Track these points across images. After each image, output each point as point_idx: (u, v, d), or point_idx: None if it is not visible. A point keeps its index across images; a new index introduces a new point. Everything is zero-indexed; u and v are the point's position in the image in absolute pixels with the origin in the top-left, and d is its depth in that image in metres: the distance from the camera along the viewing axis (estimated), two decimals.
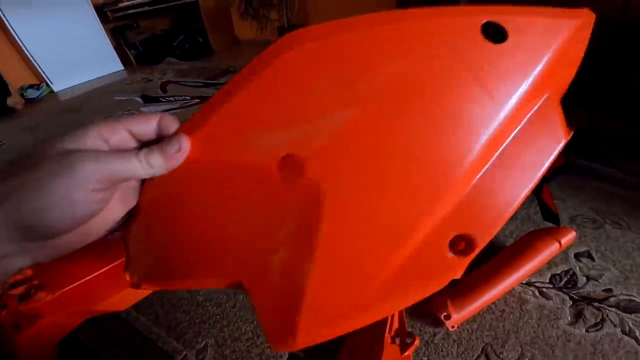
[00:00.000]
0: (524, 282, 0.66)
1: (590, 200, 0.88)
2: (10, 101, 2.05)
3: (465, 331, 0.59)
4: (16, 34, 2.16)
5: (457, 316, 0.56)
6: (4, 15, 2.09)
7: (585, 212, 0.84)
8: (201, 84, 2.05)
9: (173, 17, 3.20)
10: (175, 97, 1.86)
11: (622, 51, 1.34)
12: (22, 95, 2.18)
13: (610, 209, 0.84)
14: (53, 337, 0.49)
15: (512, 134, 0.26)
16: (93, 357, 0.60)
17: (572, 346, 0.55)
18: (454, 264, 0.25)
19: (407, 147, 0.25)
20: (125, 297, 0.53)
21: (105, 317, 0.58)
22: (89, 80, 2.57)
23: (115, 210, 0.25)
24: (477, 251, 0.25)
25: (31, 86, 2.27)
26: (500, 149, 0.26)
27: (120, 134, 0.23)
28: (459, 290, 0.60)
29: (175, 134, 0.25)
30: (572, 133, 0.29)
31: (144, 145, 0.24)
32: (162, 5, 2.83)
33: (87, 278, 0.48)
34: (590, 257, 0.71)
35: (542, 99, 0.27)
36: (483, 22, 0.25)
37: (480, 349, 0.56)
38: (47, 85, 2.37)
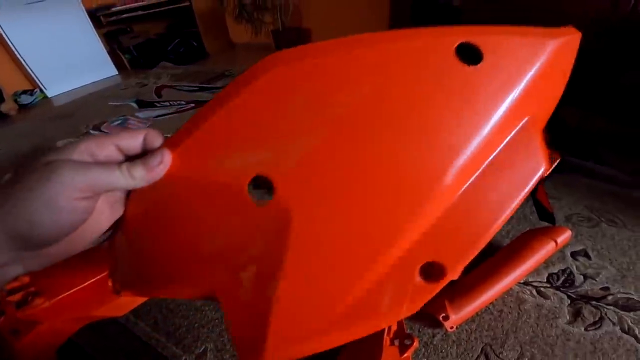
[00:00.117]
0: (522, 281, 0.66)
1: (584, 198, 0.89)
2: (4, 107, 2.04)
3: (464, 332, 0.59)
4: (9, 39, 2.14)
5: (456, 317, 0.57)
6: None
7: (581, 210, 0.85)
8: (196, 88, 2.05)
9: (167, 21, 3.19)
10: (170, 102, 1.85)
11: (614, 50, 1.35)
12: (15, 101, 2.16)
13: (605, 207, 0.85)
14: (52, 343, 0.49)
15: (488, 159, 0.26)
16: None
17: (571, 345, 0.56)
18: (424, 290, 0.25)
19: (377, 172, 0.25)
20: (123, 303, 0.53)
21: (104, 322, 0.58)
22: (83, 86, 2.55)
23: (103, 220, 0.26)
24: (447, 279, 0.25)
25: (25, 92, 2.25)
26: (475, 174, 0.25)
27: (108, 148, 0.24)
28: (456, 291, 0.60)
29: (159, 148, 0.26)
30: (555, 161, 0.29)
31: (131, 159, 0.25)
32: (156, 10, 2.83)
33: (84, 285, 0.48)
34: (586, 255, 0.72)
35: (522, 123, 0.26)
36: (457, 43, 0.24)
37: (480, 349, 0.56)
38: (41, 90, 2.35)
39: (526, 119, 0.26)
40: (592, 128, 1.23)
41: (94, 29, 2.57)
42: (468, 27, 0.25)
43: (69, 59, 2.46)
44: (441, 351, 0.57)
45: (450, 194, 0.25)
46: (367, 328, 0.26)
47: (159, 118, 1.65)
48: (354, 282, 0.25)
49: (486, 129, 0.24)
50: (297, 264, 0.25)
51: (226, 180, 0.26)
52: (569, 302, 0.62)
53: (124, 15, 2.74)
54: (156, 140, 0.26)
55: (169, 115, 1.67)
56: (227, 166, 0.26)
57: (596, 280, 0.66)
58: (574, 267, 0.69)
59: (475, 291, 0.59)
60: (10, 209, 0.20)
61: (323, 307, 0.25)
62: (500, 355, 0.55)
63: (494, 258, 0.66)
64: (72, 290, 0.47)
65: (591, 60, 1.38)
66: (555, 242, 0.65)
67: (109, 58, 2.71)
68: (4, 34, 2.12)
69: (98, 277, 0.49)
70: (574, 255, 0.72)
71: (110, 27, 2.82)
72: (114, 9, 2.70)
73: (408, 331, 0.50)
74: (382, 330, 0.48)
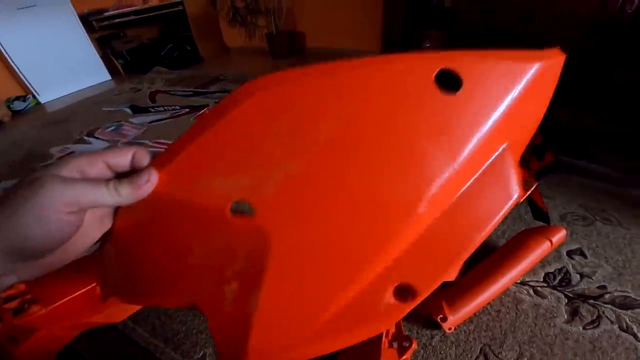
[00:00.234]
0: (518, 281, 0.67)
1: (578, 197, 0.89)
2: None
3: (463, 333, 0.59)
4: (0, 45, 2.12)
5: (454, 318, 0.57)
6: None
7: (575, 209, 0.85)
8: (191, 93, 2.04)
9: (160, 25, 3.18)
10: (165, 107, 1.84)
11: (604, 49, 1.37)
12: (8, 108, 2.13)
13: (599, 205, 0.86)
14: (50, 350, 0.49)
15: (463, 188, 0.26)
16: None
17: (570, 344, 0.56)
18: (396, 310, 0.26)
19: (354, 198, 0.26)
20: (119, 310, 0.53)
21: (102, 329, 0.57)
22: (76, 91, 2.52)
23: (92, 232, 0.27)
24: (418, 300, 0.26)
25: (17, 98, 2.22)
26: (450, 201, 0.26)
27: (97, 166, 0.25)
28: (454, 292, 0.60)
29: (146, 167, 0.27)
30: (532, 188, 0.29)
31: (120, 176, 0.26)
32: (149, 14, 2.81)
33: (79, 292, 0.48)
34: (582, 254, 0.72)
35: (500, 150, 0.27)
36: (437, 70, 0.24)
37: (479, 350, 0.56)
38: (34, 96, 2.33)
39: (504, 145, 0.27)
40: (584, 127, 1.24)
41: (86, 34, 2.55)
42: (448, 52, 0.25)
43: (62, 64, 2.44)
44: (440, 352, 0.57)
45: (423, 221, 0.26)
46: (343, 342, 0.27)
47: (153, 123, 1.64)
48: (330, 301, 0.26)
49: (463, 158, 0.25)
50: (276, 282, 0.26)
51: (209, 202, 0.27)
52: (566, 301, 0.63)
53: (117, 20, 2.72)
54: (144, 158, 0.27)
55: (164, 121, 1.66)
56: (210, 189, 0.27)
57: (592, 279, 0.67)
58: (570, 266, 0.70)
59: (473, 292, 0.59)
60: (3, 224, 0.21)
61: (300, 322, 0.27)
62: (500, 356, 0.55)
63: (490, 258, 0.66)
64: (68, 298, 0.47)
65: (582, 60, 1.41)
66: (551, 241, 0.66)
67: (102, 63, 2.69)
68: None
69: (93, 284, 0.49)
70: (569, 254, 0.72)
71: (103, 32, 2.81)
72: (106, 14, 2.68)
73: (406, 333, 0.50)
74: (380, 333, 0.48)
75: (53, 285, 0.48)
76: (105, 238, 0.29)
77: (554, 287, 0.65)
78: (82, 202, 0.23)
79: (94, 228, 0.27)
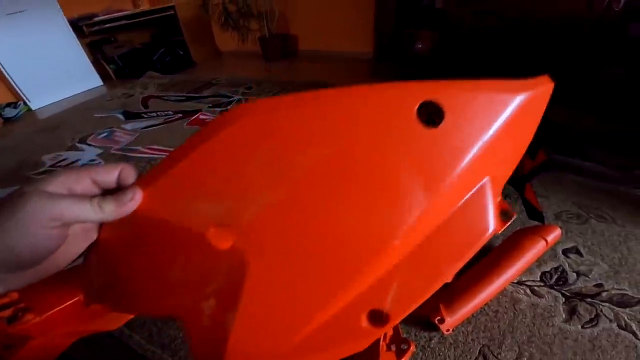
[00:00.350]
0: (515, 281, 0.67)
1: (572, 195, 0.90)
2: None
3: (461, 334, 0.59)
4: None
5: (451, 319, 0.57)
6: None
7: (569, 207, 0.86)
8: (184, 98, 2.03)
9: (152, 30, 3.16)
10: (158, 112, 1.83)
11: (592, 48, 1.39)
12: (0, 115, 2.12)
13: (593, 203, 0.86)
14: (46, 357, 0.49)
15: (441, 221, 0.27)
16: None
17: (569, 343, 0.56)
18: (369, 333, 0.27)
19: (330, 227, 0.26)
20: (115, 317, 0.53)
21: (99, 336, 0.57)
22: (67, 97, 2.51)
23: (78, 244, 0.28)
24: (390, 325, 0.27)
25: (8, 104, 2.20)
26: (426, 233, 0.27)
27: (84, 182, 0.26)
28: (450, 293, 0.60)
29: (131, 185, 0.28)
30: (509, 220, 0.29)
31: (107, 192, 0.27)
32: (140, 19, 2.80)
33: (73, 300, 0.48)
34: (578, 252, 0.72)
35: (480, 183, 0.27)
36: (419, 103, 0.24)
37: (478, 350, 0.56)
38: (25, 103, 2.31)
39: (485, 179, 0.27)
40: (577, 125, 1.25)
41: (76, 39, 2.53)
42: (432, 83, 0.25)
43: (53, 70, 2.42)
44: (439, 354, 0.56)
45: (397, 252, 0.27)
46: None
47: (146, 129, 1.63)
48: (304, 322, 0.27)
49: (441, 194, 0.25)
50: (252, 302, 0.27)
51: (190, 224, 0.28)
52: (564, 300, 0.63)
53: (107, 25, 2.70)
54: (130, 176, 0.28)
55: (157, 127, 1.65)
56: (191, 211, 0.28)
57: (589, 277, 0.67)
58: (566, 264, 0.70)
59: (469, 293, 0.59)
60: None
61: (275, 341, 0.28)
62: (499, 356, 0.55)
63: (486, 259, 0.66)
64: (61, 306, 0.47)
65: (572, 59, 1.42)
66: (546, 240, 0.66)
67: (93, 68, 2.68)
68: None
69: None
70: (565, 252, 0.73)
71: (94, 37, 2.79)
72: (96, 19, 2.67)
73: (404, 335, 0.50)
74: (378, 337, 0.48)
75: (46, 294, 0.48)
76: (90, 249, 0.30)
77: (551, 286, 0.66)
78: (65, 217, 0.24)
79: (79, 240, 0.28)
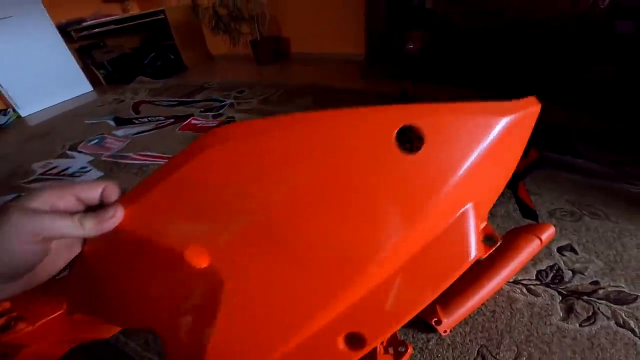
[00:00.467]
0: (511, 280, 0.67)
1: (565, 192, 0.90)
2: None
3: (459, 335, 0.59)
4: None
5: (448, 321, 0.56)
6: None
7: (563, 205, 0.86)
8: (176, 103, 2.01)
9: (142, 34, 3.14)
10: (149, 118, 1.81)
11: (580, 46, 1.40)
12: None
13: (586, 200, 0.87)
14: None
15: (420, 247, 0.27)
16: None
17: (568, 342, 0.56)
18: (346, 356, 0.27)
19: (305, 252, 0.26)
20: (108, 325, 0.53)
21: (96, 343, 0.56)
22: (57, 104, 2.48)
23: (61, 257, 0.29)
24: (367, 349, 0.27)
25: None
26: (405, 259, 0.27)
27: (67, 198, 0.27)
28: (446, 294, 0.59)
29: (113, 203, 0.28)
30: (495, 245, 0.29)
31: (90, 209, 0.28)
32: (129, 23, 2.77)
33: (64, 309, 0.48)
34: (573, 250, 0.73)
35: (463, 210, 0.26)
36: (398, 128, 0.24)
37: (476, 351, 0.56)
38: (14, 110, 2.28)
39: (469, 205, 0.27)
40: (568, 122, 1.26)
41: (65, 45, 2.50)
42: (412, 106, 0.24)
43: (42, 76, 2.40)
44: (437, 356, 0.56)
45: (375, 278, 0.26)
46: None
47: (137, 135, 1.61)
48: (280, 342, 0.28)
49: (420, 221, 0.25)
50: (228, 321, 0.28)
51: (168, 243, 0.28)
52: (560, 298, 0.63)
53: (96, 30, 2.68)
54: (113, 194, 0.29)
55: (148, 132, 1.63)
56: (169, 231, 0.28)
57: (585, 275, 0.67)
58: (562, 262, 0.70)
59: (466, 293, 0.59)
60: None
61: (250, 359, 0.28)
62: (497, 357, 0.55)
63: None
64: (54, 315, 0.46)
65: (561, 57, 1.44)
66: (540, 239, 0.66)
67: (83, 74, 2.65)
68: None
69: None
70: (560, 250, 0.73)
71: (82, 42, 2.76)
72: (85, 24, 2.64)
73: (401, 338, 0.50)
74: None
75: (38, 303, 0.48)
76: (75, 261, 0.31)
77: (547, 285, 0.66)
78: (46, 232, 0.25)
79: (63, 253, 0.29)
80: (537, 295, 0.64)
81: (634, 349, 0.54)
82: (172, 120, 1.74)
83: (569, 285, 0.65)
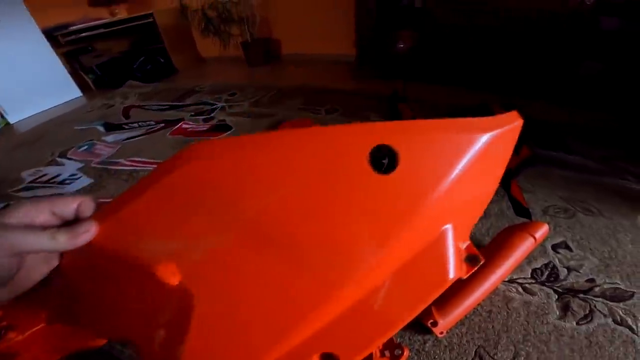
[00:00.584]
0: (506, 279, 0.67)
1: (558, 189, 0.91)
2: None
3: (455, 336, 0.58)
4: None
5: (444, 322, 0.56)
6: None
7: (556, 201, 0.86)
8: (166, 107, 1.99)
9: (130, 38, 3.10)
10: (139, 123, 1.78)
11: (569, 43, 1.41)
12: None
13: (579, 196, 0.87)
14: None
15: (396, 268, 0.26)
16: None
17: (565, 340, 0.56)
18: None
19: (276, 272, 0.26)
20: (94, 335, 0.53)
21: (90, 351, 0.55)
22: (46, 110, 2.44)
23: (38, 270, 0.30)
24: None
25: None
26: (381, 280, 0.26)
27: (44, 213, 0.27)
28: (442, 295, 0.59)
29: (88, 218, 0.29)
30: (477, 265, 0.29)
31: (67, 223, 0.28)
32: (118, 27, 2.74)
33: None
34: (567, 247, 0.73)
35: (441, 230, 0.26)
36: (372, 147, 0.23)
37: (474, 352, 0.56)
38: (2, 117, 2.24)
39: (447, 226, 0.26)
40: (558, 119, 1.27)
41: (52, 50, 2.47)
42: (387, 125, 0.24)
43: (29, 82, 2.36)
44: (434, 358, 0.56)
45: (348, 298, 0.26)
46: None
47: (127, 141, 1.59)
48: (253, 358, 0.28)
49: (395, 243, 0.24)
50: (199, 338, 0.28)
51: (141, 259, 0.28)
52: (556, 297, 0.63)
53: (84, 34, 2.65)
54: (88, 209, 0.29)
55: (138, 138, 1.61)
56: (143, 248, 0.29)
57: (580, 272, 0.67)
58: (557, 260, 0.70)
59: (461, 294, 0.58)
60: None
61: None
62: (495, 357, 0.55)
63: None
64: (43, 324, 0.46)
65: (550, 54, 1.44)
66: (534, 237, 0.66)
67: (71, 79, 2.61)
68: None
69: None
70: (554, 248, 0.73)
71: (70, 47, 2.72)
72: (72, 28, 2.60)
73: (398, 341, 0.50)
74: None
75: (28, 312, 0.47)
76: (53, 273, 0.31)
77: (543, 283, 0.65)
78: (17, 247, 0.25)
79: (39, 266, 0.30)
80: (532, 294, 0.64)
81: (632, 346, 0.54)
82: (163, 124, 1.71)
83: (564, 283, 0.65)
